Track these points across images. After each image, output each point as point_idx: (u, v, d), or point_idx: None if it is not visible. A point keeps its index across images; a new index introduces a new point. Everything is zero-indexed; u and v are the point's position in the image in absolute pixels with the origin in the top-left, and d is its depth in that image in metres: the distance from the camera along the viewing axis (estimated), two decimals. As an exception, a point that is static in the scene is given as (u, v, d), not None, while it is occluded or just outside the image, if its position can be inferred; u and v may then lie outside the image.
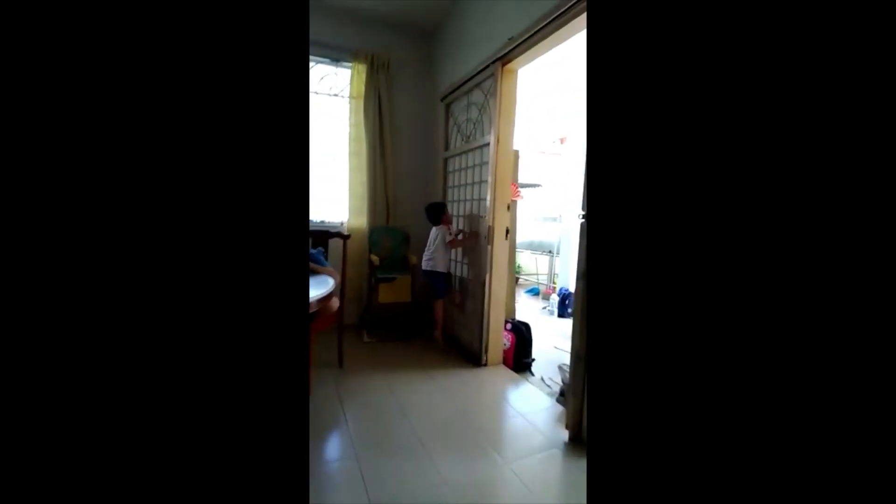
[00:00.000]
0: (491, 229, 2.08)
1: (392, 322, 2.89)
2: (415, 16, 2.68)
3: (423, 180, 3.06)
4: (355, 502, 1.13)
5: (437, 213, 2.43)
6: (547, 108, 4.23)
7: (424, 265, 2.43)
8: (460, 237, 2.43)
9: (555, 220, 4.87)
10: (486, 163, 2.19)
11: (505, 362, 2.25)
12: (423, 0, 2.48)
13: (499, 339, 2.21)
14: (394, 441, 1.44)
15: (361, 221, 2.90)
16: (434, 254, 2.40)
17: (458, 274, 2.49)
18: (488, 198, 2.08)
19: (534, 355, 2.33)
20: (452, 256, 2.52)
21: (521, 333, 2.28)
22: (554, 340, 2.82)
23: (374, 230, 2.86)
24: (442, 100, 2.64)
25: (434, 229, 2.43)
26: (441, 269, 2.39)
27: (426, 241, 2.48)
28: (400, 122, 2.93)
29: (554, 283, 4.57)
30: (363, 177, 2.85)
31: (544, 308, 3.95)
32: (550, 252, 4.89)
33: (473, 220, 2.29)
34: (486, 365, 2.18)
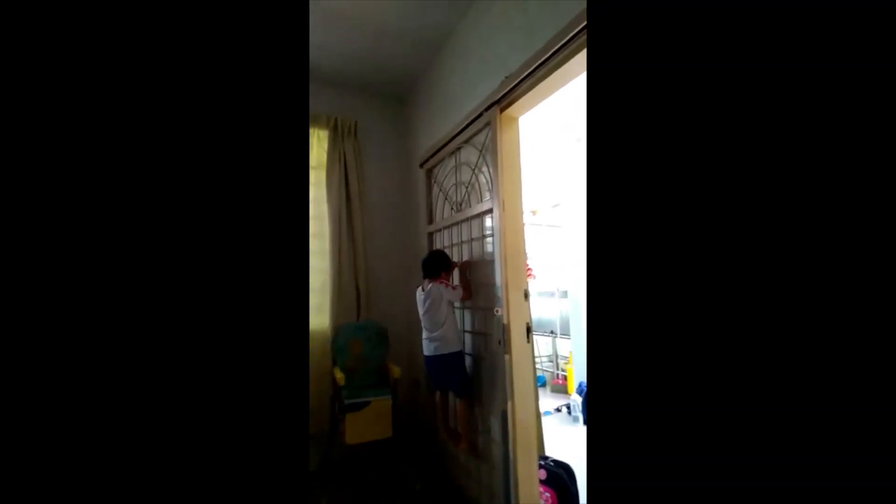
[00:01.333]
0: (507, 329, 1.42)
1: (368, 469, 2.00)
2: (386, 78, 2.33)
3: (404, 262, 2.45)
4: None
5: (439, 264, 1.66)
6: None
7: (427, 349, 1.61)
8: (457, 282, 1.67)
9: (552, 294, 4.33)
10: (487, 236, 1.62)
11: (547, 541, 1.41)
12: (398, 61, 2.13)
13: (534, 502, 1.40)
14: None
15: (322, 321, 2.18)
16: (436, 324, 1.57)
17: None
18: (498, 282, 1.46)
19: (584, 515, 1.52)
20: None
21: (564, 485, 1.49)
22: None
23: (340, 331, 2.13)
24: (421, 165, 2.16)
25: (421, 291, 1.65)
26: (454, 346, 1.57)
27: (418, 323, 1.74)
28: (372, 195, 2.41)
29: (563, 370, 3.83)
30: (325, 263, 2.21)
31: (560, 409, 3.14)
32: (552, 333, 4.23)
33: (484, 318, 1.63)
34: (521, 558, 1.33)
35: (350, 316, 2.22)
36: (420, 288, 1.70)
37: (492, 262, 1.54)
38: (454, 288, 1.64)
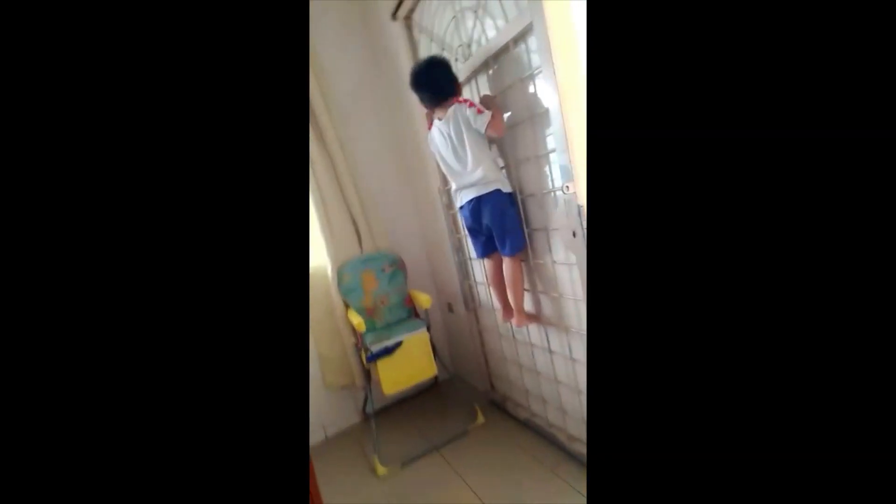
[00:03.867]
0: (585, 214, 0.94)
1: (417, 415, 1.72)
2: None
3: (402, 168, 1.90)
4: None
5: (443, 80, 1.15)
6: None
7: (463, 194, 1.17)
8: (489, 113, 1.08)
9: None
10: (525, 78, 1.04)
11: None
12: None
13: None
14: None
15: (317, 260, 1.72)
16: (465, 164, 1.13)
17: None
18: (559, 145, 0.94)
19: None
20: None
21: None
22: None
23: (343, 267, 1.69)
24: (394, 15, 1.47)
25: (438, 123, 1.17)
26: (497, 184, 1.12)
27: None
28: (337, 87, 1.75)
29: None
30: (299, 186, 1.66)
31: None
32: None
33: (539, 206, 1.13)
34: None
35: (351, 249, 1.76)
36: (434, 122, 1.22)
37: (540, 115, 1.00)
38: (480, 111, 1.08)
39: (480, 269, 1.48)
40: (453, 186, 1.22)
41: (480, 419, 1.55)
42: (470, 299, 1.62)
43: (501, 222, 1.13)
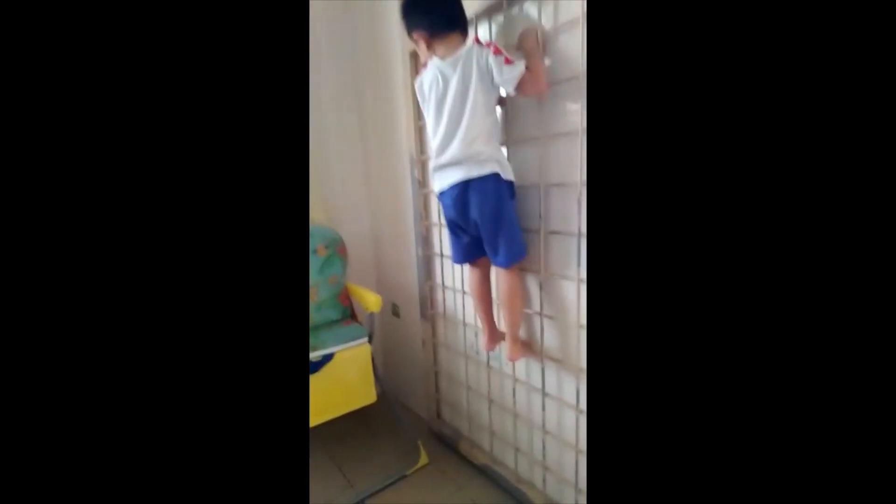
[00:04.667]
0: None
1: (338, 450, 1.32)
2: None
3: (361, 116, 1.46)
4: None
5: (453, 6, 0.81)
6: None
7: (442, 179, 0.83)
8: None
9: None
10: (571, 21, 0.73)
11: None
12: None
13: None
14: None
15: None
16: (455, 131, 0.79)
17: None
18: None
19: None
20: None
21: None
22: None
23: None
24: None
25: (436, 65, 0.81)
26: (491, 166, 0.79)
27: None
28: None
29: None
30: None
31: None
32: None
33: (572, 197, 0.80)
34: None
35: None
36: (431, 61, 0.83)
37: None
38: (510, 61, 0.74)
39: (452, 268, 1.14)
40: (433, 160, 0.85)
41: (424, 459, 1.22)
42: (429, 305, 1.28)
43: (495, 220, 0.80)
